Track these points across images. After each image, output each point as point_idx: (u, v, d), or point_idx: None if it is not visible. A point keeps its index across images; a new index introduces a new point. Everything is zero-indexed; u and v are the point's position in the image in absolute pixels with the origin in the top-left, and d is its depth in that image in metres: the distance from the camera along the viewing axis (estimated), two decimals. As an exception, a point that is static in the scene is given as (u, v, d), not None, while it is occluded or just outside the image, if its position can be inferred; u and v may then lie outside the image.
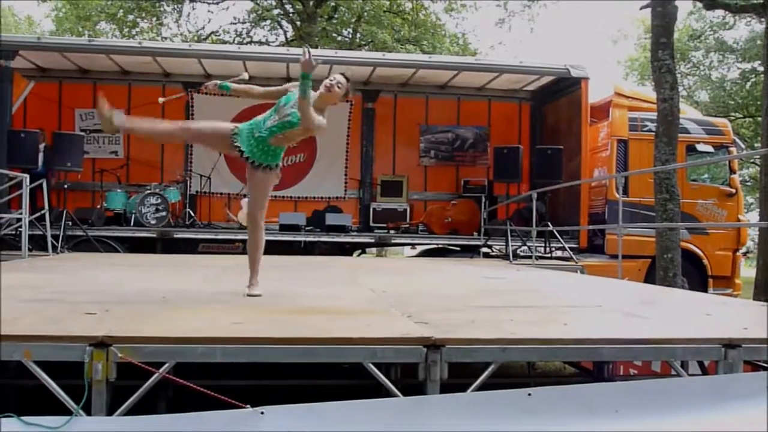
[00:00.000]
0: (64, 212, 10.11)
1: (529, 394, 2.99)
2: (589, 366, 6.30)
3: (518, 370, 6.84)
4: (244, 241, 11.42)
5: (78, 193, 11.87)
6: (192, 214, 11.98)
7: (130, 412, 2.96)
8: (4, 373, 4.54)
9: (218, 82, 5.23)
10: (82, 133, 11.75)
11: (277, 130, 4.88)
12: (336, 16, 23.61)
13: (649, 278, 10.65)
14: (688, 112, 12.51)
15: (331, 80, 5.01)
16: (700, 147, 11.84)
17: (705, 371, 4.52)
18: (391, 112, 13.32)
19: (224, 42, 23.18)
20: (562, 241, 10.53)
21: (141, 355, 2.99)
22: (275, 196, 12.79)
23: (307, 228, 11.62)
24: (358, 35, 23.57)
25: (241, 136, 4.92)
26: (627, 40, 33.81)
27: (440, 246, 12.54)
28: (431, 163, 13.53)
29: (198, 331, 3.25)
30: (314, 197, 13.04)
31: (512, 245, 10.66)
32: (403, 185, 13.07)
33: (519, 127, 13.58)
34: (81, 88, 12.73)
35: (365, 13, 22.76)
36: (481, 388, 3.16)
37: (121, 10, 22.78)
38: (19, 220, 9.04)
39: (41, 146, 10.92)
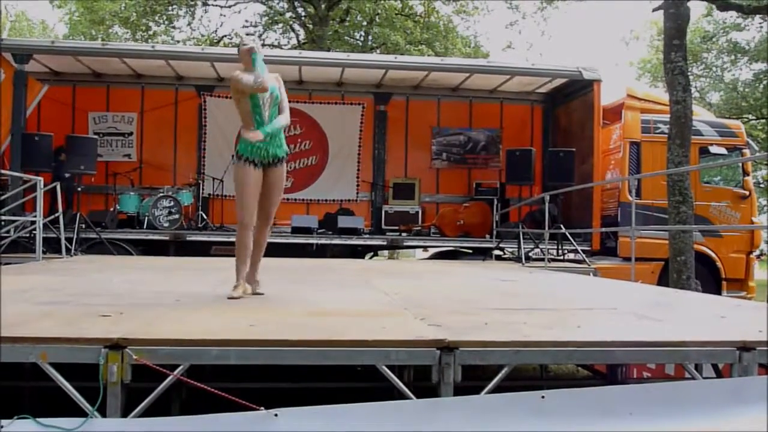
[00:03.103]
0: (78, 215, 10.16)
1: (543, 397, 2.99)
2: (603, 369, 6.29)
3: (531, 372, 6.84)
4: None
5: (91, 196, 11.94)
6: (205, 216, 12.02)
7: (145, 413, 2.98)
8: (20, 375, 4.57)
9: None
10: (96, 137, 11.80)
11: (274, 113, 5.17)
12: (348, 18, 23.63)
13: (663, 281, 10.60)
14: (701, 114, 12.46)
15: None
16: (713, 149, 11.79)
17: (719, 374, 4.50)
18: (403, 114, 13.33)
19: (237, 45, 23.20)
20: (574, 243, 10.49)
21: (156, 357, 3.01)
22: (287, 199, 12.92)
23: (319, 230, 11.64)
24: (370, 38, 23.60)
25: (258, 154, 5.09)
26: (639, 41, 33.68)
27: (452, 248, 12.53)
28: (443, 165, 13.52)
29: (212, 334, 3.26)
30: (326, 200, 13.07)
31: (524, 248, 10.63)
32: (415, 188, 13.07)
33: (531, 129, 13.55)
34: (94, 92, 12.83)
35: (377, 16, 22.78)
36: (494, 390, 3.16)
37: (134, 14, 22.89)
38: (33, 222, 9.09)
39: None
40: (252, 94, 5.02)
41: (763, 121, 26.58)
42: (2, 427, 2.71)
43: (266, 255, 11.00)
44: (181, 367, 3.05)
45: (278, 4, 24.26)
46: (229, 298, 4.90)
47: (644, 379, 6.21)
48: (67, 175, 10.58)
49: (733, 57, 27.52)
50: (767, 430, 2.98)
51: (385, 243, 12.16)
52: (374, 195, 13.12)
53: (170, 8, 23.62)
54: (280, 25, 24.50)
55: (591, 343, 3.41)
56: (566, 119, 12.97)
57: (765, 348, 3.40)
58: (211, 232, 11.67)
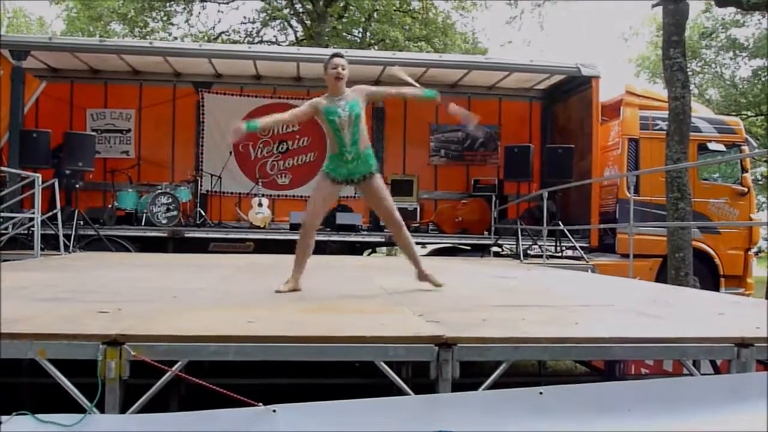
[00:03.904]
0: (76, 212, 10.15)
1: (541, 393, 2.99)
2: (601, 365, 6.30)
3: (529, 369, 6.84)
4: (254, 241, 11.52)
5: (89, 193, 11.93)
6: (203, 213, 12.02)
7: (143, 410, 2.97)
8: (18, 372, 4.57)
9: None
10: (94, 133, 11.81)
11: (357, 132, 5.17)
12: (346, 15, 23.61)
13: (661, 277, 10.62)
14: (699, 111, 12.46)
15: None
16: (712, 146, 11.79)
17: (717, 370, 4.51)
18: (401, 111, 13.30)
19: (234, 42, 23.23)
20: (572, 240, 10.51)
21: (154, 354, 3.01)
22: (285, 196, 12.91)
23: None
24: (369, 34, 23.58)
25: (339, 172, 5.24)
26: (638, 38, 33.68)
27: (450, 245, 12.53)
28: (441, 162, 13.52)
29: (211, 330, 3.26)
30: (324, 196, 13.03)
31: (523, 244, 10.64)
32: (413, 184, 13.05)
33: (530, 126, 13.55)
34: (92, 88, 12.82)
35: (375, 12, 22.76)
36: (492, 386, 3.16)
37: (132, 11, 22.86)
38: (31, 219, 9.09)
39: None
40: (330, 119, 5.15)
41: (762, 117, 26.55)
42: (1, 423, 2.71)
43: (264, 252, 11.04)
44: (179, 363, 3.04)
45: (276, 0, 24.22)
46: (276, 292, 5.08)
47: (642, 375, 6.21)
48: (67, 172, 10.57)
49: (732, 53, 27.51)
50: (766, 426, 2.99)
51: (383, 240, 12.13)
52: (372, 192, 13.07)
53: (168, 5, 23.60)
54: (278, 21, 24.48)
55: (589, 340, 3.42)
56: (565, 116, 12.97)
57: (763, 344, 3.41)
58: (210, 228, 11.67)
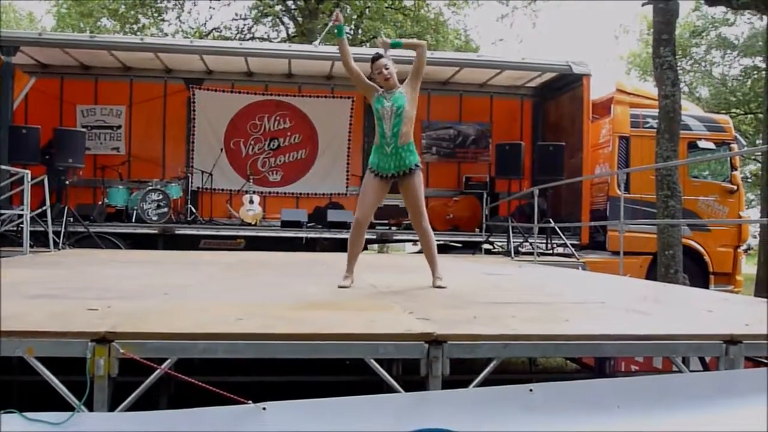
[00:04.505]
0: (66, 208, 10.10)
1: (531, 390, 2.99)
2: (591, 362, 6.31)
3: (520, 366, 6.86)
4: (245, 238, 11.50)
5: (79, 190, 11.87)
6: (193, 210, 11.99)
7: (132, 407, 2.96)
8: (6, 370, 4.54)
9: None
10: (84, 130, 11.75)
11: (398, 124, 5.20)
12: (338, 12, 23.56)
13: (651, 275, 10.66)
14: (689, 109, 12.51)
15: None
16: (702, 144, 11.85)
17: (706, 367, 4.53)
18: (393, 108, 13.25)
19: (226, 38, 23.16)
20: (563, 237, 10.52)
21: (143, 351, 2.99)
22: (277, 193, 12.90)
23: (308, 224, 11.62)
24: (360, 31, 23.55)
25: (381, 166, 5.32)
26: (629, 35, 33.79)
27: (442, 242, 12.52)
28: (433, 159, 13.50)
29: (200, 327, 3.25)
30: (316, 193, 13.04)
31: (514, 242, 10.65)
32: (404, 182, 13.02)
33: (521, 123, 13.56)
34: (82, 85, 12.75)
35: (367, 9, 22.74)
36: (482, 383, 3.16)
37: (123, 6, 22.76)
38: (20, 216, 9.03)
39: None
40: (375, 106, 5.26)
41: (751, 116, 26.69)
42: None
43: (256, 248, 11.00)
44: (168, 361, 3.03)
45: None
46: (339, 287, 5.20)
47: (632, 372, 6.24)
48: (58, 168, 10.51)
49: (722, 52, 27.63)
50: (755, 422, 3.00)
51: (374, 237, 12.12)
52: (364, 189, 13.07)
53: (159, 1, 23.51)
54: (270, 18, 24.41)
55: (579, 337, 3.42)
56: (556, 113, 12.99)
57: (751, 341, 3.42)
58: (200, 225, 11.65)
